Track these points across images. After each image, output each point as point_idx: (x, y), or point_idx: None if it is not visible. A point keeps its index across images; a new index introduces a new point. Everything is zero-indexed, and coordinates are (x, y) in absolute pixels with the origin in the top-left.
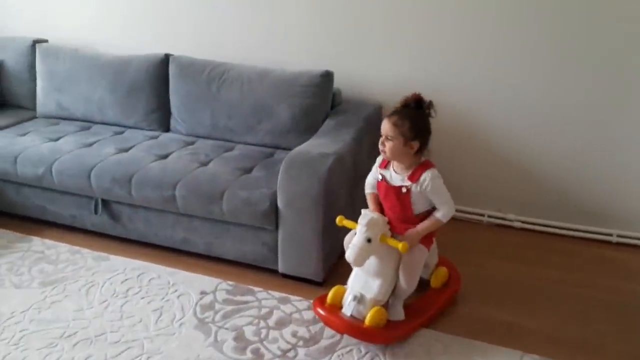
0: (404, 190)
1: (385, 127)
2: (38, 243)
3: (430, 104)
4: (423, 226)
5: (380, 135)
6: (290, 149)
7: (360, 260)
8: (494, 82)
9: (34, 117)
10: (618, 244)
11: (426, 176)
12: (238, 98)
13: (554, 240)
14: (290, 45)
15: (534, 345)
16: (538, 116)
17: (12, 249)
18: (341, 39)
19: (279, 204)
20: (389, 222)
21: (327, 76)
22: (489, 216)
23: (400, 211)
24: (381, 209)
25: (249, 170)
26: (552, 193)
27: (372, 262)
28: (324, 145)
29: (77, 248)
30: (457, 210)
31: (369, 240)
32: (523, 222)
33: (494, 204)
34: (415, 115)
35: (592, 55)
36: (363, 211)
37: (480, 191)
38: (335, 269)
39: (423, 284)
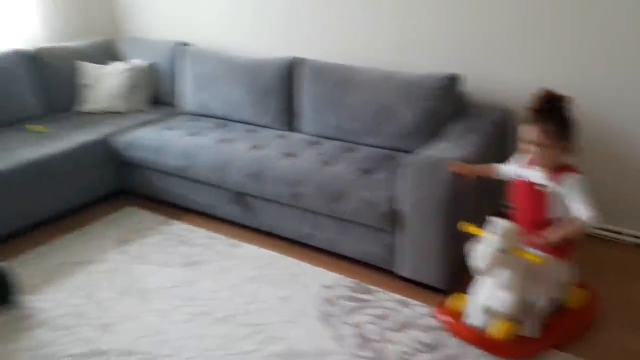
0: (544, 188)
1: (532, 133)
2: (179, 227)
3: (567, 98)
4: (564, 228)
5: (520, 141)
6: (411, 152)
7: (492, 271)
8: (637, 88)
9: (178, 114)
10: None
11: (572, 178)
12: (363, 100)
13: None
14: (420, 48)
15: None
16: None
17: (157, 231)
18: (472, 42)
19: (402, 206)
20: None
21: (452, 79)
22: (629, 235)
23: (533, 212)
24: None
25: (370, 172)
26: None
27: (503, 273)
28: (450, 149)
29: (213, 234)
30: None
31: (502, 251)
32: None
33: (635, 222)
34: (560, 115)
35: None
36: (494, 220)
37: (619, 207)
38: (457, 277)
39: (560, 304)
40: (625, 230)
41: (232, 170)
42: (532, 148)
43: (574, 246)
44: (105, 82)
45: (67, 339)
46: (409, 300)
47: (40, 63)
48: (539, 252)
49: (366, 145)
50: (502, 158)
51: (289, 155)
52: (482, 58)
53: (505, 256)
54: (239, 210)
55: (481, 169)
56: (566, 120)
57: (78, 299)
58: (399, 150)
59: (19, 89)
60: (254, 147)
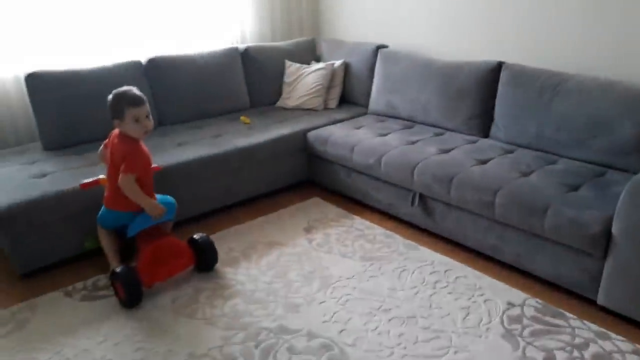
0: None
1: None
2: (359, 222)
3: None
4: None
5: None
6: (627, 171)
7: None
8: None
9: (365, 113)
10: None
11: None
12: (572, 110)
13: None
14: None
15: None
16: None
17: (339, 223)
18: None
19: (615, 230)
20: None
21: None
22: None
23: None
24: None
25: (575, 188)
26: None
27: None
28: None
29: (391, 233)
30: None
31: None
32: None
33: None
34: None
35: None
36: None
37: None
38: None
39: None
40: None
41: (418, 172)
42: None
43: None
44: (304, 81)
45: (259, 312)
46: (610, 333)
47: (251, 60)
48: None
49: (570, 158)
50: None
51: (480, 161)
52: None
53: None
54: (419, 212)
55: None
56: None
57: (269, 277)
58: (611, 167)
59: (234, 82)
60: (442, 150)
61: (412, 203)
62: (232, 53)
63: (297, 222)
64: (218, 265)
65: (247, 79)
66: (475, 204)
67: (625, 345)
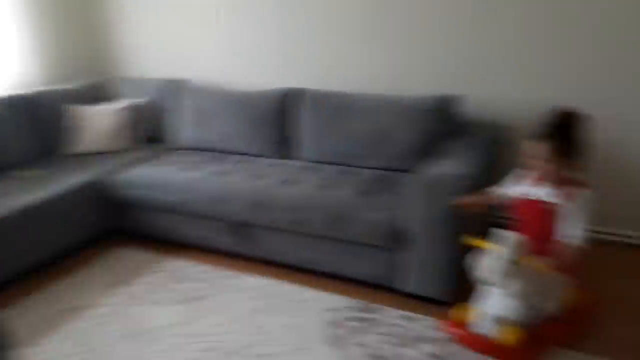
0: (552, 205)
1: (540, 149)
2: (174, 264)
3: (581, 117)
4: (563, 254)
5: (526, 157)
6: (408, 171)
7: (505, 282)
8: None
9: (172, 149)
10: None
11: (582, 196)
12: (362, 125)
13: None
14: (417, 72)
15: None
16: None
17: (152, 269)
18: (469, 62)
19: (407, 224)
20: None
21: (446, 100)
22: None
23: (540, 229)
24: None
25: (372, 193)
26: None
27: (513, 283)
28: (453, 166)
29: (209, 268)
30: (599, 232)
31: (513, 262)
32: None
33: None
34: (570, 132)
35: None
36: (500, 232)
37: (627, 210)
38: (459, 288)
39: (562, 307)
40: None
41: (230, 201)
42: (539, 164)
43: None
44: (96, 123)
45: None
46: (414, 315)
47: (30, 107)
48: (545, 261)
49: (366, 167)
50: (500, 175)
51: (288, 182)
52: (478, 78)
53: (516, 267)
54: (235, 241)
55: (481, 199)
56: (576, 138)
57: (77, 347)
58: (397, 170)
59: (10, 134)
60: (252, 176)
61: (227, 233)
62: (3, 103)
63: (103, 279)
64: (17, 349)
65: (28, 129)
66: (287, 224)
67: (428, 322)
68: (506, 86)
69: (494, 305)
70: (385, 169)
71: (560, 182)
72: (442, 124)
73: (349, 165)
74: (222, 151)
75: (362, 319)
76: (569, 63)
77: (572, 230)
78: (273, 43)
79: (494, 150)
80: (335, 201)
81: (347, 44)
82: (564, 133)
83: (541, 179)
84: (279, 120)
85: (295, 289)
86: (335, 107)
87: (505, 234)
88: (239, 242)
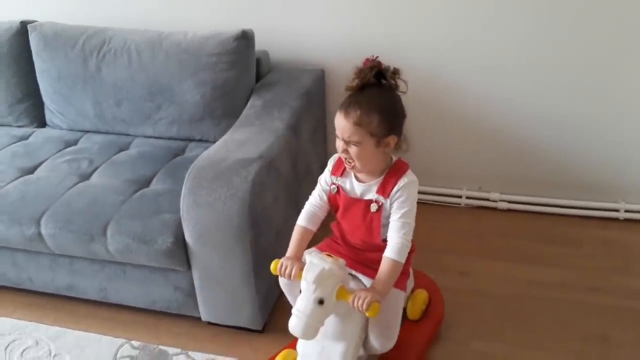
0: (374, 207)
1: (345, 128)
2: None
3: (395, 73)
4: (387, 273)
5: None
6: (207, 141)
7: (313, 332)
8: (467, 38)
9: None
10: (626, 220)
11: (401, 183)
12: (125, 76)
13: (547, 223)
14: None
15: None
16: (526, 76)
17: None
18: None
19: (187, 236)
20: (347, 257)
21: (246, 38)
22: (468, 197)
23: (365, 234)
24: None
25: (147, 182)
26: (544, 165)
27: (330, 322)
28: (247, 142)
29: None
30: (429, 194)
31: (320, 302)
32: (509, 202)
33: (473, 181)
34: (382, 98)
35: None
36: (308, 257)
37: (456, 168)
38: (276, 311)
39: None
40: (466, 193)
41: None
42: (346, 148)
43: (410, 260)
44: None
45: None
46: (220, 357)
47: None
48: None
49: (144, 136)
50: (318, 138)
51: (26, 170)
52: (277, 6)
53: (326, 306)
54: None
55: (299, 246)
56: (390, 107)
57: None
58: (190, 140)
59: None
60: None
61: None
62: None
63: None
64: None
65: None
66: (19, 241)
67: None
68: (318, 18)
69: (312, 352)
70: (174, 139)
71: (377, 166)
72: (242, 72)
73: (121, 134)
74: None
75: None
76: None
77: (397, 234)
78: None
79: (308, 106)
80: (92, 202)
81: None
82: (375, 100)
83: (359, 171)
84: (13, 69)
85: (50, 331)
86: (83, 49)
87: (313, 260)
88: None
